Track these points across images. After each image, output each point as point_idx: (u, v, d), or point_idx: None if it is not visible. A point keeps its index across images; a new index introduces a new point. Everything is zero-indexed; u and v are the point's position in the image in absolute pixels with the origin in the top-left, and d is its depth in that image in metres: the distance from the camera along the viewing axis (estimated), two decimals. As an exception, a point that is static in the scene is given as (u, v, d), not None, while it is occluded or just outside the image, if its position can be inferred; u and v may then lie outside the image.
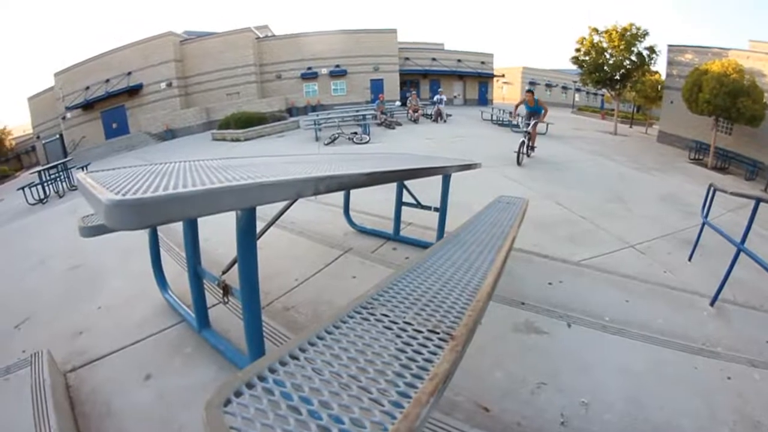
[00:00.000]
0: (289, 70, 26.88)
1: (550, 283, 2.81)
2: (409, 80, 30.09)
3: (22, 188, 9.71)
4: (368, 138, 12.11)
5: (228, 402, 0.62)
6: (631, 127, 26.08)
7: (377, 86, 27.59)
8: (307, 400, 0.64)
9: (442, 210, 3.05)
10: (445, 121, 17.00)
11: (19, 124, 36.81)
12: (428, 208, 3.28)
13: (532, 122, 9.01)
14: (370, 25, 28.16)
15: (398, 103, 20.27)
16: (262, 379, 0.69)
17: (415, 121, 16.66)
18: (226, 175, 1.22)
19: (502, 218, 2.20)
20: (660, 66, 19.82)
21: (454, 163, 2.83)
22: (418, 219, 3.80)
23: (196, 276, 2.06)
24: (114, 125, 24.47)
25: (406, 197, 3.47)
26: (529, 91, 9.53)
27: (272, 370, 0.71)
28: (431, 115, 17.71)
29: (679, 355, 2.04)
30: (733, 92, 12.65)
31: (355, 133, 12.43)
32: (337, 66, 27.17)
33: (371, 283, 2.40)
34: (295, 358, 0.76)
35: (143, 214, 0.79)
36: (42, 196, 9.42)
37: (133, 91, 23.99)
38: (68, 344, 2.23)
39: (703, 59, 15.80)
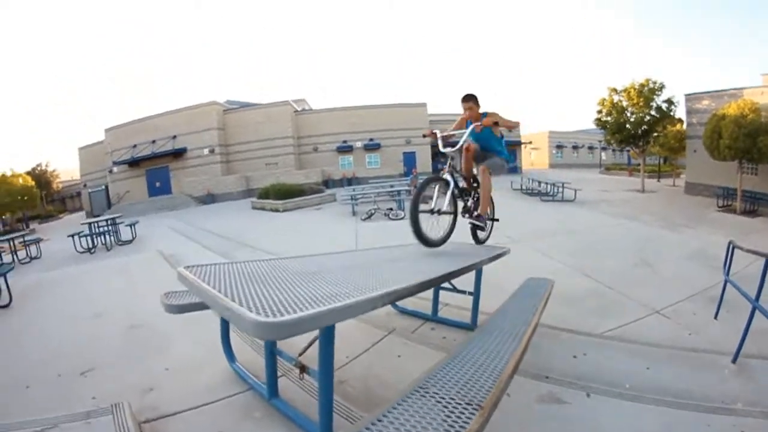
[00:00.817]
0: (325, 143, 28.39)
1: (574, 357, 3.10)
2: (441, 152, 31.44)
3: (72, 236, 10.53)
4: (403, 214, 12.63)
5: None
6: (658, 180, 26.05)
7: (410, 159, 28.75)
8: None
9: (476, 295, 3.44)
10: None
11: (65, 168, 39.26)
12: (463, 292, 3.63)
13: (481, 169, 3.80)
14: (400, 98, 29.68)
15: (431, 176, 21.18)
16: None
17: None
18: (320, 288, 1.72)
19: (528, 305, 2.64)
20: (681, 112, 19.92)
21: (486, 255, 3.24)
22: (453, 300, 4.11)
23: (272, 354, 2.48)
24: (157, 184, 26.16)
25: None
26: (468, 98, 3.84)
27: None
28: None
29: (694, 416, 2.24)
30: (752, 133, 12.60)
31: (391, 209, 13.14)
32: (371, 139, 28.59)
33: (414, 361, 2.84)
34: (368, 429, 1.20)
35: (282, 331, 1.29)
36: (90, 246, 10.22)
37: (177, 154, 25.83)
38: (140, 398, 2.50)
39: (720, 103, 15.94)
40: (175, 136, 25.89)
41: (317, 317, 1.34)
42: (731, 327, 3.72)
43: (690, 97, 19.20)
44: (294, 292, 1.63)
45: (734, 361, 2.96)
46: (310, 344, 2.31)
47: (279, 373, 2.64)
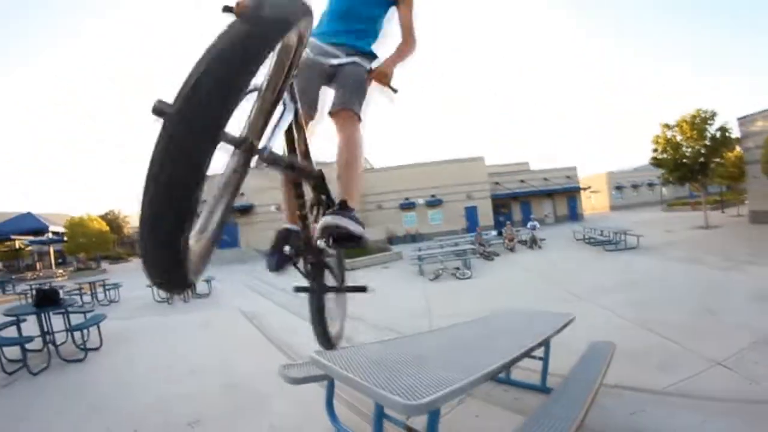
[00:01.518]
0: (388, 200, 29.35)
1: (632, 414, 3.43)
2: (501, 204, 31.48)
3: (150, 285, 11.62)
4: (470, 273, 12.83)
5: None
6: (723, 211, 25.04)
7: (472, 213, 29.35)
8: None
9: (545, 359, 3.90)
10: (540, 247, 18.05)
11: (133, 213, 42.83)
12: (533, 357, 3.94)
13: (341, 116, 1.91)
14: (458, 154, 30.53)
15: (494, 233, 21.87)
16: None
17: (512, 249, 17.91)
18: (433, 371, 2.43)
19: (590, 372, 3.21)
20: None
21: (554, 328, 3.70)
22: (523, 363, 4.22)
23: (380, 418, 3.07)
24: (225, 238, 28.24)
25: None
26: None
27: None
28: (526, 241, 18.81)
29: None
30: None
31: (458, 268, 13.41)
32: (433, 196, 29.50)
33: (492, 421, 3.38)
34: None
35: (422, 409, 2.01)
36: (168, 296, 11.23)
37: (245, 210, 27.72)
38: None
39: (774, 122, 15.47)
40: (242, 193, 27.85)
41: (444, 397, 2.08)
42: (792, 373, 3.84)
43: (743, 121, 18.98)
44: (417, 376, 2.36)
45: (788, 407, 3.20)
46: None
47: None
